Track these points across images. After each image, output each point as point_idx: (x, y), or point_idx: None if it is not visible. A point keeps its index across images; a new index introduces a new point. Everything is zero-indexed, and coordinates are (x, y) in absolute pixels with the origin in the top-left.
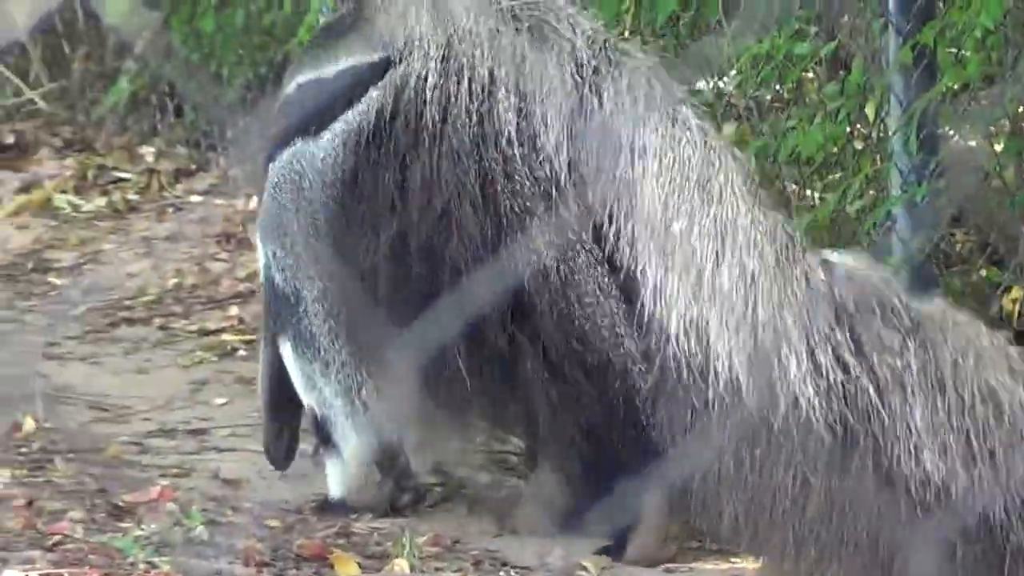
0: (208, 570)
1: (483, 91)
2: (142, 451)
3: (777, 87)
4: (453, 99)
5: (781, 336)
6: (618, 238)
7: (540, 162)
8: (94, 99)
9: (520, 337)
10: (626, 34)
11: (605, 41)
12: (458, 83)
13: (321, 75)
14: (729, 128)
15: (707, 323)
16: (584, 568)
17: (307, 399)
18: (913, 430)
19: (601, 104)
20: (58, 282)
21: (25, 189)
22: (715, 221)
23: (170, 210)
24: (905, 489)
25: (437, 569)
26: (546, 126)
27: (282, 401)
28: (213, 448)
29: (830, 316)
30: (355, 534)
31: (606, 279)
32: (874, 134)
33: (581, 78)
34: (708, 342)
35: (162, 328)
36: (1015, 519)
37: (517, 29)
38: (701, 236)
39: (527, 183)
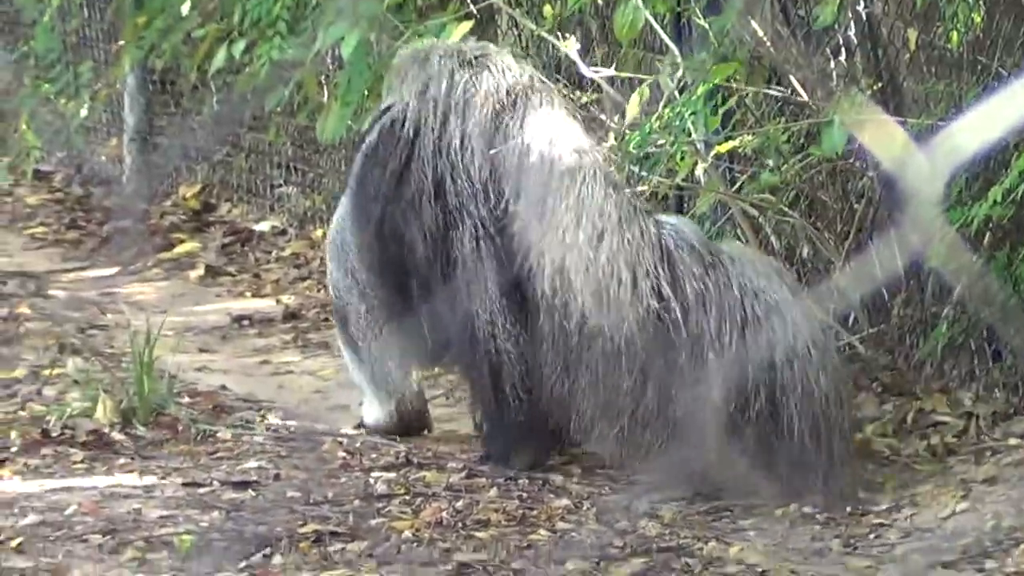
0: None
1: (443, 116)
2: None
3: None
4: (423, 121)
5: (615, 274)
6: (508, 212)
7: (475, 169)
8: (913, 343)
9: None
10: None
11: (529, 77)
12: (427, 113)
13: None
14: None
15: (568, 268)
16: None
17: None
18: (708, 334)
19: (514, 125)
20: (874, 521)
21: None
22: (577, 196)
23: (988, 454)
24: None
25: None
26: (473, 143)
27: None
28: None
29: (654, 258)
30: None
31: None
32: None
33: (501, 106)
34: (569, 282)
35: None
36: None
37: (469, 71)
38: (567, 208)
39: (465, 185)
